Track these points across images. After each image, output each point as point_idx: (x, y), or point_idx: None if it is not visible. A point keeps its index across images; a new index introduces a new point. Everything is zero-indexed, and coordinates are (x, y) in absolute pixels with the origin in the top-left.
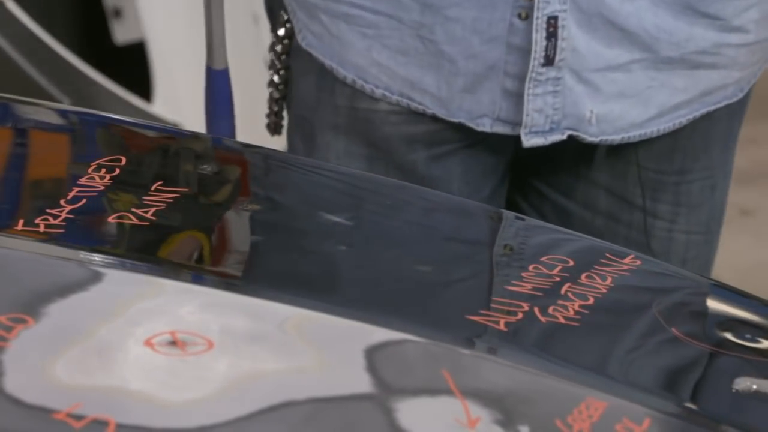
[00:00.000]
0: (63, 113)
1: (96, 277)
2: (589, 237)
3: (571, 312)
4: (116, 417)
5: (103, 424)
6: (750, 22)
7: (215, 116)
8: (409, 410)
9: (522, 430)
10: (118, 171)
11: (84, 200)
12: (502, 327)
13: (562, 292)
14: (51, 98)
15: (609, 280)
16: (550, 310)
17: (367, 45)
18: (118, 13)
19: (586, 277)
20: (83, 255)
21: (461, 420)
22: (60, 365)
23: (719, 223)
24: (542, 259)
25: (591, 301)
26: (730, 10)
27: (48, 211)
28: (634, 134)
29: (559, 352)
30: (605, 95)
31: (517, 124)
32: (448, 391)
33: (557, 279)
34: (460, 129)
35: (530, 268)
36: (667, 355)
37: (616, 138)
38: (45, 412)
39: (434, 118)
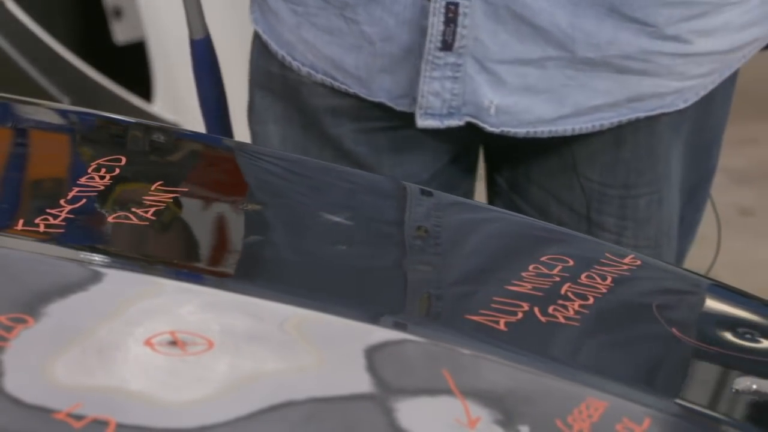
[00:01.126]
0: (63, 113)
1: (96, 277)
2: (511, 213)
3: (571, 312)
4: (116, 417)
5: (103, 424)
6: (690, 32)
7: (201, 83)
8: (409, 410)
9: (522, 430)
10: (118, 171)
11: (84, 200)
12: (502, 327)
13: (562, 291)
14: (51, 98)
15: (609, 279)
16: (550, 309)
17: (296, 22)
18: (118, 12)
19: (586, 276)
20: (83, 255)
21: (461, 420)
22: (60, 365)
23: (669, 236)
24: (542, 258)
25: (591, 300)
26: (662, 18)
27: (48, 211)
28: (543, 130)
29: (559, 352)
30: (510, 88)
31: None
32: (448, 391)
33: (557, 279)
34: (386, 108)
35: (530, 267)
36: (667, 355)
37: (519, 131)
38: (45, 412)
39: (358, 95)
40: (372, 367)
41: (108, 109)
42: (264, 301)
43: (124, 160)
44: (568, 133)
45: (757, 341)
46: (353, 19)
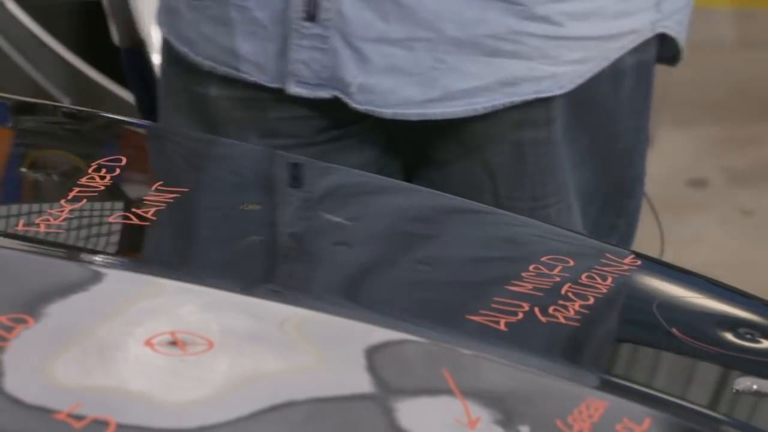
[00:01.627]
0: (63, 113)
1: (96, 277)
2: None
3: (572, 312)
4: (116, 417)
5: (103, 424)
6: (561, 14)
7: (132, 90)
8: (409, 410)
9: (522, 430)
10: (118, 171)
11: (84, 200)
12: (502, 327)
13: (563, 292)
14: (51, 98)
15: (609, 280)
16: (551, 310)
17: (195, 18)
18: None
19: (587, 277)
20: (83, 255)
21: (461, 420)
22: (60, 365)
23: None
24: (543, 258)
25: (591, 301)
26: None
27: (48, 211)
28: (412, 113)
29: (559, 352)
30: (375, 67)
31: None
32: (448, 391)
33: (557, 279)
34: (293, 123)
35: (531, 267)
36: (667, 355)
37: (386, 112)
38: (45, 412)
39: (263, 105)
40: (372, 367)
41: (108, 109)
42: (264, 301)
43: (124, 160)
44: (438, 116)
45: (757, 341)
46: (244, 6)
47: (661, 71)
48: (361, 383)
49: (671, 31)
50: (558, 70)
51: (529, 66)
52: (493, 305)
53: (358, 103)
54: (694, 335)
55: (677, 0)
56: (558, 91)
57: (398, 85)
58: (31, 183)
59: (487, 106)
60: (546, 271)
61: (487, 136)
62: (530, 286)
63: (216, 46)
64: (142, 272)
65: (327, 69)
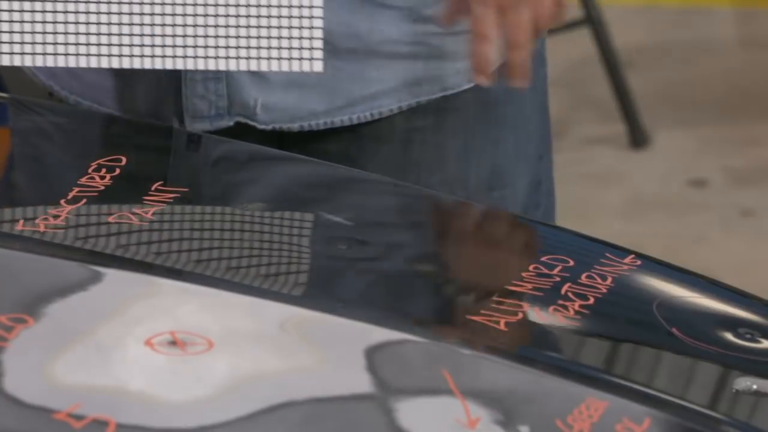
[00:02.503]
0: (63, 113)
1: (96, 277)
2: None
3: (572, 312)
4: (116, 417)
5: (103, 424)
6: None
7: None
8: (409, 410)
9: (522, 430)
10: (118, 171)
11: (84, 200)
12: (502, 327)
13: (563, 292)
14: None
15: (609, 280)
16: (551, 310)
17: None
18: None
19: (587, 277)
20: (83, 255)
21: (462, 420)
22: (60, 365)
23: None
24: (543, 258)
25: (591, 301)
26: (414, 1)
27: (48, 211)
28: (319, 122)
29: (559, 352)
30: (274, 85)
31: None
32: (448, 391)
33: (557, 279)
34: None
35: (531, 267)
36: (667, 355)
37: (293, 126)
38: (45, 412)
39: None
40: (372, 367)
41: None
42: (264, 301)
43: (124, 160)
44: (346, 123)
45: (757, 341)
46: None
47: (661, 71)
48: (361, 383)
49: None
50: (464, 65)
51: (432, 65)
52: (493, 305)
53: (263, 123)
54: (694, 335)
55: None
56: (467, 85)
57: (301, 98)
58: (31, 183)
59: (393, 108)
60: (546, 271)
61: (384, 132)
62: (530, 286)
63: (80, 80)
64: (142, 272)
65: (223, 97)
